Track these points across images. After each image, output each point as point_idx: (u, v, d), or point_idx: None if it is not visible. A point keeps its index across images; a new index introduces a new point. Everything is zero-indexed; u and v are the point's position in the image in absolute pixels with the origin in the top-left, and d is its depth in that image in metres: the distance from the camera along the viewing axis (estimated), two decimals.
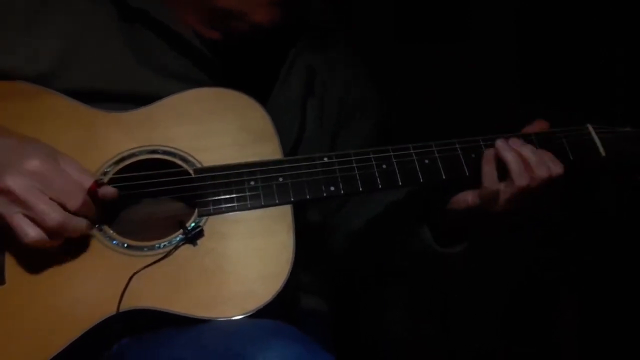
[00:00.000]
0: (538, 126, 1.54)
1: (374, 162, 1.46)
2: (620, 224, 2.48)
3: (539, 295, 2.58)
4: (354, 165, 1.45)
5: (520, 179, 1.43)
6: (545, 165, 1.45)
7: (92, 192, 1.35)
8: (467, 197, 1.48)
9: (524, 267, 2.56)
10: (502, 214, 1.46)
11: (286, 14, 1.52)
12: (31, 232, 1.30)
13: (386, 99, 1.78)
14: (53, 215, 1.30)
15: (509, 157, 1.44)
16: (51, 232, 1.31)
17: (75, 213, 1.33)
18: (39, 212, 1.29)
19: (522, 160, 1.44)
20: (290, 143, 1.56)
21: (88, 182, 1.34)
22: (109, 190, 1.38)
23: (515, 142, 1.47)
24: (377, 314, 2.26)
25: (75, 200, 1.32)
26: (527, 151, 1.45)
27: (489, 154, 1.47)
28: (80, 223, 1.34)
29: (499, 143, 1.46)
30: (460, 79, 2.57)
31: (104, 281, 1.36)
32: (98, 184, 1.36)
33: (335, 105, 1.69)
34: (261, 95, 1.50)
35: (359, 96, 1.73)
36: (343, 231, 1.72)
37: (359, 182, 1.45)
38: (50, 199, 1.31)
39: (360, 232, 1.70)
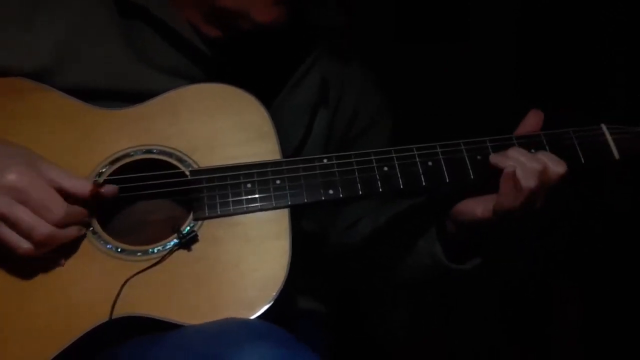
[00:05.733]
0: (533, 118, 1.49)
1: (375, 164, 1.43)
2: (626, 219, 2.47)
3: (539, 291, 2.57)
4: (355, 167, 1.42)
5: (528, 184, 1.39)
6: (548, 167, 1.42)
7: (94, 195, 1.34)
8: (476, 211, 1.44)
9: (525, 262, 2.55)
10: (514, 223, 1.43)
11: (288, 15, 1.49)
12: (23, 245, 1.30)
13: (395, 113, 1.76)
14: (40, 229, 1.29)
15: (510, 167, 1.41)
16: (40, 244, 1.30)
17: (58, 224, 1.31)
18: (26, 227, 1.29)
19: (524, 167, 1.41)
20: (291, 150, 1.53)
21: (86, 188, 1.34)
22: (109, 189, 1.37)
23: (513, 152, 1.43)
24: (377, 315, 2.25)
25: (55, 213, 1.31)
26: (524, 157, 1.42)
27: (509, 173, 1.41)
28: (69, 232, 1.34)
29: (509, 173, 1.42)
30: (460, 79, 2.56)
31: (97, 286, 1.34)
32: (96, 185, 1.35)
33: (346, 122, 1.67)
34: (265, 98, 1.47)
35: (371, 116, 1.70)
36: (352, 235, 1.70)
37: (359, 185, 1.41)
38: (33, 212, 1.30)
39: (370, 238, 1.68)
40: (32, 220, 1.29)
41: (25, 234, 1.29)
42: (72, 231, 1.34)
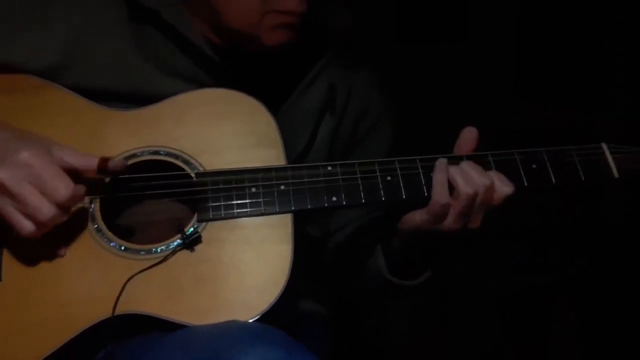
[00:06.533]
0: (467, 134, 1.48)
1: (378, 173, 1.44)
2: (623, 232, 2.48)
3: (536, 299, 2.58)
4: (358, 175, 1.43)
5: (466, 189, 1.40)
6: (494, 182, 1.42)
7: (102, 170, 1.36)
8: (415, 216, 1.44)
9: (521, 273, 2.56)
10: (451, 232, 1.43)
11: (294, 36, 1.51)
12: (28, 226, 1.31)
13: (396, 112, 1.76)
14: (45, 210, 1.30)
15: (453, 172, 1.41)
16: (43, 225, 1.31)
17: (63, 206, 1.32)
18: (31, 206, 1.30)
19: (466, 175, 1.41)
20: (296, 154, 1.55)
21: (94, 162, 1.36)
22: (117, 163, 1.39)
23: (463, 164, 1.43)
24: (377, 317, 2.26)
25: (63, 194, 1.32)
26: (473, 170, 1.42)
27: (441, 163, 1.43)
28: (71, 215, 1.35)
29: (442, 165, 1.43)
30: (460, 79, 2.57)
31: (100, 283, 1.36)
32: (104, 159, 1.37)
33: (351, 125, 1.68)
34: (272, 103, 1.48)
35: (376, 116, 1.71)
36: (332, 241, 1.71)
37: (362, 193, 1.42)
38: (41, 192, 1.31)
39: (342, 246, 1.70)
40: (38, 201, 1.30)
41: (30, 214, 1.30)
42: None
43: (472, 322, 2.55)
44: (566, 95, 2.57)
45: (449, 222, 1.41)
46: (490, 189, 1.41)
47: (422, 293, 1.56)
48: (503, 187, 1.42)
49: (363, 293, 1.68)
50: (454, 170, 1.42)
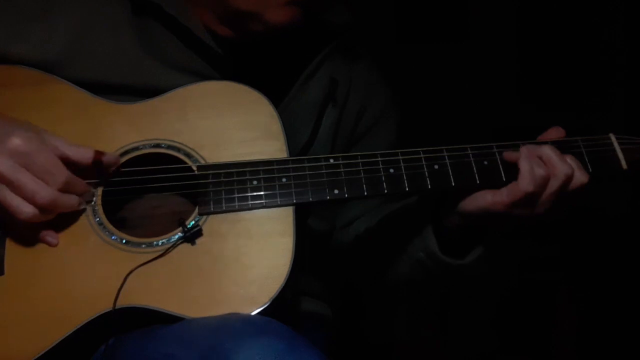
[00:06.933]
0: (554, 133, 1.48)
1: (381, 166, 1.43)
2: (624, 231, 2.48)
3: (537, 296, 2.58)
4: (360, 168, 1.42)
5: (554, 182, 1.39)
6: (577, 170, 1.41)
7: (97, 162, 1.36)
8: (487, 197, 1.42)
9: (523, 268, 2.56)
10: (521, 218, 1.42)
11: (302, 15, 1.50)
12: (26, 209, 1.31)
13: (401, 111, 1.76)
14: (43, 193, 1.31)
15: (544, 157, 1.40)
16: (43, 209, 1.32)
17: (60, 190, 1.33)
18: (29, 190, 1.30)
19: (548, 164, 1.40)
20: (300, 147, 1.54)
21: (89, 155, 1.36)
22: (111, 158, 1.39)
23: (546, 147, 1.42)
24: (380, 317, 2.26)
25: (58, 178, 1.32)
26: (555, 154, 1.40)
27: (527, 151, 1.41)
28: (70, 200, 1.36)
29: (527, 152, 1.41)
30: (460, 79, 2.57)
31: (101, 276, 1.35)
32: (99, 152, 1.37)
33: (353, 119, 1.68)
34: (275, 96, 1.48)
35: (378, 112, 1.71)
36: (348, 234, 1.71)
37: (364, 185, 1.41)
38: (37, 176, 1.31)
39: (363, 237, 1.68)
40: (35, 185, 1.30)
41: (29, 198, 1.30)
42: (74, 200, 1.36)
43: (472, 322, 2.55)
44: (566, 96, 2.58)
45: (525, 209, 1.40)
46: (570, 177, 1.39)
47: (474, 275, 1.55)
48: (581, 176, 1.40)
49: (397, 283, 1.67)
50: (536, 157, 1.40)
